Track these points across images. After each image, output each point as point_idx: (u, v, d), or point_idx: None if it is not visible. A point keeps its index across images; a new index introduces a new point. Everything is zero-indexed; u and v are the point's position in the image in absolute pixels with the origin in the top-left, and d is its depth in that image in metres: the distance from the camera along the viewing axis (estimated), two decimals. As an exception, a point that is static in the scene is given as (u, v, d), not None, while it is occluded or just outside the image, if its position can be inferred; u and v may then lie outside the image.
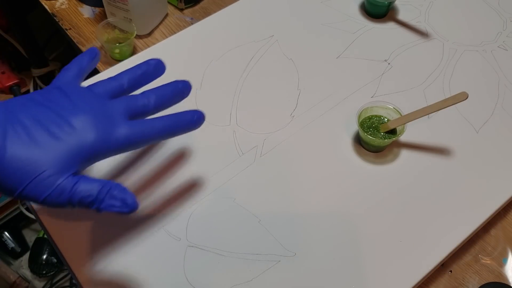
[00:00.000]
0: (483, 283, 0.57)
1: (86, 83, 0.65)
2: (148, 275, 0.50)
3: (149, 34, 0.78)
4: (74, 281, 0.51)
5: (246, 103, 0.65)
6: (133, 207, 0.39)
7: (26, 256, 1.33)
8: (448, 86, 0.68)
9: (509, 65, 0.72)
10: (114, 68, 0.67)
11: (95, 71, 0.73)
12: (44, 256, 1.27)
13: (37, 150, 0.36)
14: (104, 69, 0.71)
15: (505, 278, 0.57)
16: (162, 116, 0.43)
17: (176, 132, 0.44)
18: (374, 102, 0.61)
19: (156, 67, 0.47)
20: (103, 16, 0.80)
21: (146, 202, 0.55)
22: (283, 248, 0.53)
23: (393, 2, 0.75)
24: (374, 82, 0.68)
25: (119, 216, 0.54)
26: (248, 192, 0.56)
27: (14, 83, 1.13)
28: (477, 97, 0.67)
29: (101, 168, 0.57)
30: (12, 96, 1.15)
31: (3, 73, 1.13)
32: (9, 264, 1.31)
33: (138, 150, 0.59)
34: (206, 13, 0.82)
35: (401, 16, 0.77)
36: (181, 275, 0.50)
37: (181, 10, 0.82)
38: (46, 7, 0.81)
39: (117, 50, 0.73)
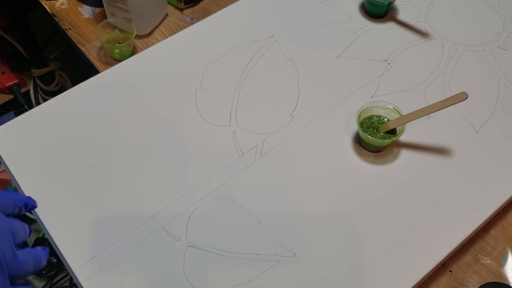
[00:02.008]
0: (483, 283, 0.57)
1: (85, 84, 0.65)
2: (148, 275, 0.50)
3: (149, 34, 0.78)
4: (74, 281, 0.51)
5: (246, 103, 0.65)
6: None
7: (26, 256, 1.32)
8: (448, 86, 0.68)
9: (509, 65, 0.72)
10: (114, 68, 0.67)
11: (95, 71, 0.73)
12: (44, 256, 1.27)
13: None
14: (104, 69, 0.71)
15: (505, 278, 0.57)
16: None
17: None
18: (374, 102, 0.61)
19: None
20: (103, 16, 0.80)
21: (146, 202, 0.55)
22: (283, 248, 0.53)
23: (393, 2, 0.75)
24: (374, 82, 0.68)
25: (120, 215, 0.54)
26: (248, 192, 0.56)
27: (14, 83, 1.12)
28: (477, 97, 0.67)
29: (102, 168, 0.57)
30: (12, 96, 1.15)
31: (3, 73, 1.13)
32: (9, 264, 1.31)
33: (137, 150, 0.59)
34: (206, 13, 0.82)
35: (401, 16, 0.77)
36: (181, 275, 0.50)
37: (181, 10, 0.82)
38: (46, 7, 0.81)
39: (117, 50, 0.73)
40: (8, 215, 0.42)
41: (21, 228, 0.42)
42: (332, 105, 0.65)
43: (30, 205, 0.46)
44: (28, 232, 0.44)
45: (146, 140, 0.60)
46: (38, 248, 0.45)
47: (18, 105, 1.14)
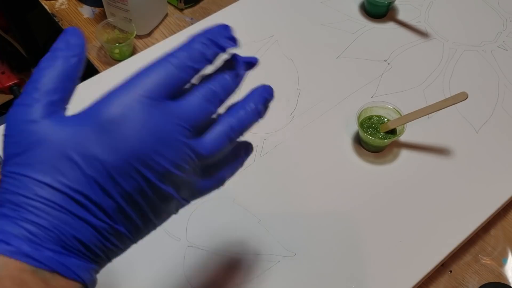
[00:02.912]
0: (483, 283, 0.57)
1: (85, 84, 0.65)
2: (148, 275, 0.50)
3: (149, 34, 0.78)
4: (74, 281, 0.51)
5: (246, 103, 0.64)
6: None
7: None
8: (448, 86, 0.68)
9: (509, 65, 0.72)
10: (114, 68, 0.67)
11: (95, 71, 0.73)
12: (44, 256, 1.27)
13: None
14: (103, 69, 0.71)
15: (505, 278, 0.57)
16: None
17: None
18: (374, 102, 0.61)
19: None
20: (103, 16, 0.80)
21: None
22: (283, 248, 0.53)
23: (393, 2, 0.75)
24: (374, 82, 0.68)
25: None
26: (248, 192, 0.56)
27: (14, 83, 1.13)
28: (477, 97, 0.67)
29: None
30: (12, 96, 1.15)
31: (3, 73, 1.13)
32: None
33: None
34: (206, 13, 0.82)
35: (401, 16, 0.77)
36: (181, 275, 0.50)
37: (181, 10, 0.82)
38: (46, 7, 0.81)
39: (116, 50, 0.73)
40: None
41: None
42: (332, 105, 0.65)
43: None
44: (241, 76, 0.31)
45: (146, 140, 0.60)
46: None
47: (18, 105, 1.14)
